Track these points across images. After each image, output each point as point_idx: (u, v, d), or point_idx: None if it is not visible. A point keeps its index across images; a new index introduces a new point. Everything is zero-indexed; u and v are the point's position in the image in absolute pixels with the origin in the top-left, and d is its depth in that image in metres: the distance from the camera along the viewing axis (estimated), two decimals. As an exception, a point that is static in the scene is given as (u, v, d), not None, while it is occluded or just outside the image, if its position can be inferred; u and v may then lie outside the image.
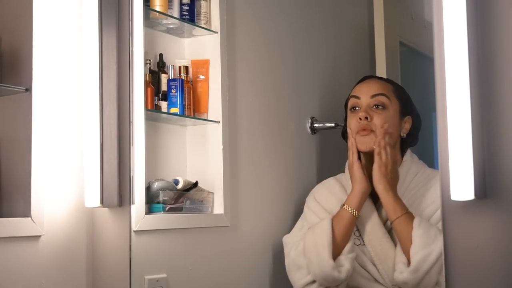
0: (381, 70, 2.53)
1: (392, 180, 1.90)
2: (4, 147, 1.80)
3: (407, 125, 2.00)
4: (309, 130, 2.37)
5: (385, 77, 2.11)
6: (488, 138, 1.41)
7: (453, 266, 1.43)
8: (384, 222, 1.94)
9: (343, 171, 2.19)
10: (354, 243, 1.93)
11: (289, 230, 2.17)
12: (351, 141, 1.95)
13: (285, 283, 2.07)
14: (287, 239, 2.05)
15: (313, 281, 1.91)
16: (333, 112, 2.46)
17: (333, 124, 2.37)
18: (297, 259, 1.95)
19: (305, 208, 2.11)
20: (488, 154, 1.40)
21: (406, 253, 1.81)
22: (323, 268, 1.87)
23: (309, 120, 2.37)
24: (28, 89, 1.76)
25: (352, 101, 2.01)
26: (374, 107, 1.97)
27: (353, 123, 1.98)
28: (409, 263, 1.80)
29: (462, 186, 1.39)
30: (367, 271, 1.92)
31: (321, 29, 2.51)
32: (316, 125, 2.37)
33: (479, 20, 1.42)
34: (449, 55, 1.41)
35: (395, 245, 1.88)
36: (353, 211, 1.90)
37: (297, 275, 1.94)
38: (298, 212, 2.20)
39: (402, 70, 2.59)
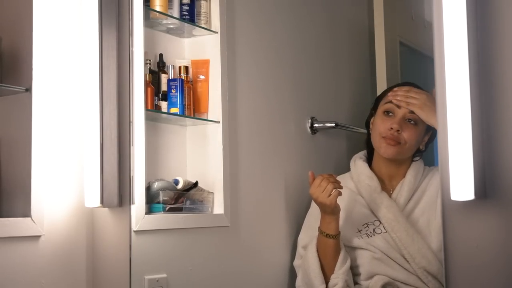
0: (381, 70, 2.53)
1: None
2: (4, 147, 1.80)
3: (426, 138, 2.09)
4: (309, 130, 2.36)
5: (416, 87, 2.09)
6: (488, 138, 1.41)
7: (453, 266, 1.43)
8: (401, 210, 2.02)
9: (343, 171, 2.20)
10: (376, 232, 2.00)
11: (289, 230, 2.17)
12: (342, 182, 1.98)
13: (284, 282, 2.07)
14: (296, 263, 2.12)
15: None
16: (333, 112, 2.46)
17: (333, 124, 2.38)
18: (299, 286, 2.06)
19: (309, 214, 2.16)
20: (488, 154, 1.40)
21: None
22: None
23: (309, 120, 2.36)
24: (28, 89, 1.76)
25: (388, 106, 2.08)
26: (407, 120, 2.04)
27: (383, 128, 2.06)
28: None
29: (462, 186, 1.39)
30: (390, 258, 1.97)
31: (321, 29, 2.51)
32: (316, 125, 2.37)
33: (479, 20, 1.42)
34: (449, 55, 1.41)
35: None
36: (335, 237, 1.96)
37: None
38: (298, 212, 2.20)
39: (402, 70, 2.59)
